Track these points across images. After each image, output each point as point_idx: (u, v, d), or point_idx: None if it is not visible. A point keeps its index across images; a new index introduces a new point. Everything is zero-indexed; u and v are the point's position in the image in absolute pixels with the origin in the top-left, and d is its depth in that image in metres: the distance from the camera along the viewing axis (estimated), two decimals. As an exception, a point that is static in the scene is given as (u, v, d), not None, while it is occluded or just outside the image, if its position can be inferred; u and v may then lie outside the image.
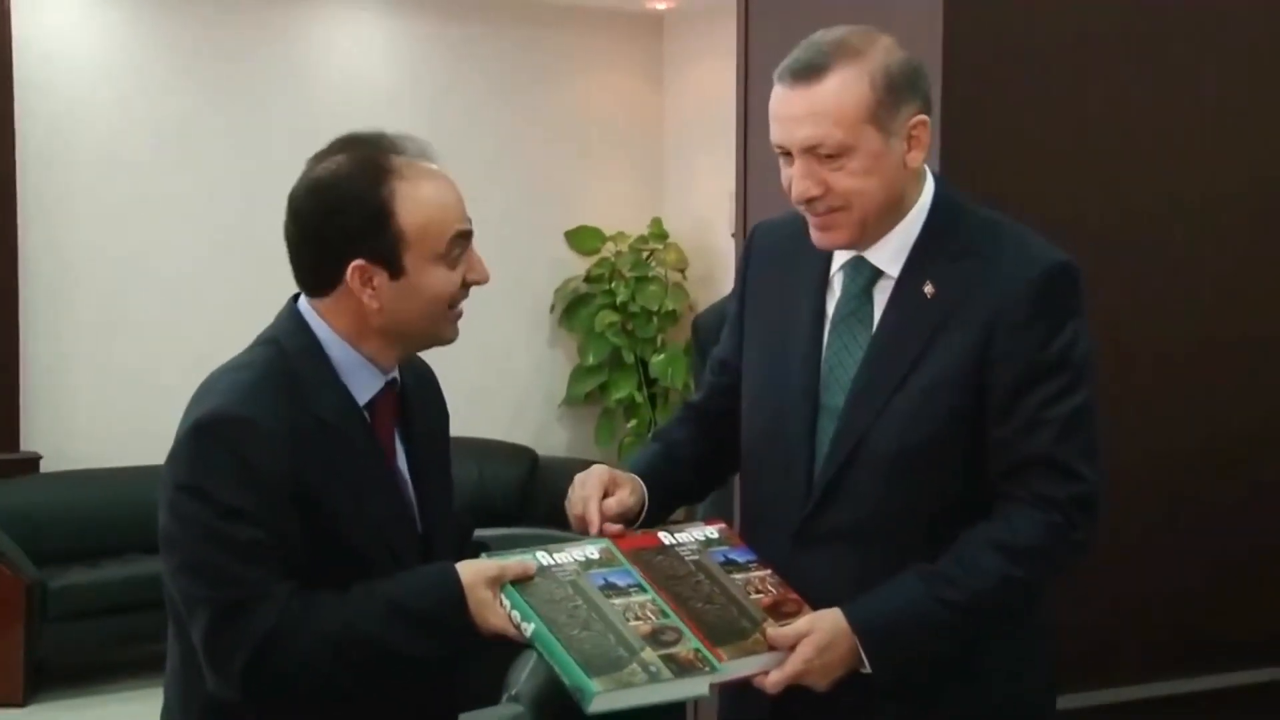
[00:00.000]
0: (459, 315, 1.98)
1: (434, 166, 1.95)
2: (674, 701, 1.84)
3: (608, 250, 8.05)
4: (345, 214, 1.88)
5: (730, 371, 2.23)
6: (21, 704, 5.84)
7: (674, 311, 7.85)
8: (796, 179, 1.96)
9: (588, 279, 8.03)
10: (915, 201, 2.03)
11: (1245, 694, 2.97)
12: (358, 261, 1.88)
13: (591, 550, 1.95)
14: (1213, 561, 2.96)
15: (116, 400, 6.85)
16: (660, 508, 2.12)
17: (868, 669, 1.91)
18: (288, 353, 1.92)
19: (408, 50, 7.66)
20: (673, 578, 1.94)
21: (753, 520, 2.11)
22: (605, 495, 2.04)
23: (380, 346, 1.95)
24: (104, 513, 6.29)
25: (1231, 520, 2.98)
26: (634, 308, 7.83)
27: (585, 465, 2.17)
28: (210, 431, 1.84)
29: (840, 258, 2.07)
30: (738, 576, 1.98)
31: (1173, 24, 2.87)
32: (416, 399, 2.06)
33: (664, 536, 2.02)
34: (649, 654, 1.80)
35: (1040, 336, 1.94)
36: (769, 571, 2.00)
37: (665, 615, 1.87)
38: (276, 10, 7.28)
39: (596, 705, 1.74)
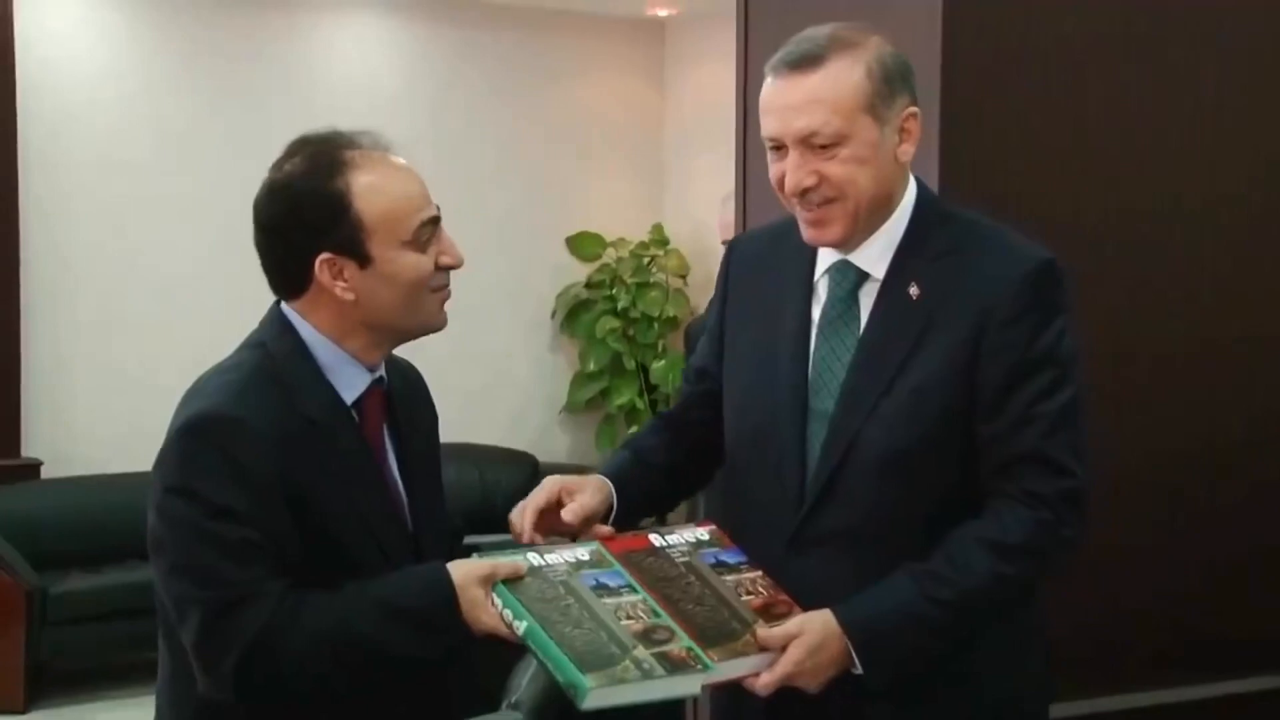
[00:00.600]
0: (444, 299, 1.98)
1: (391, 156, 1.95)
2: (667, 700, 1.83)
3: (609, 256, 8.06)
4: (303, 210, 1.89)
5: (709, 379, 2.23)
6: (22, 710, 5.83)
7: (675, 317, 7.85)
8: (791, 170, 1.97)
9: (589, 285, 8.03)
10: (900, 201, 2.04)
11: (1248, 701, 2.96)
12: (324, 255, 1.89)
13: (582, 552, 1.94)
14: (1213, 564, 2.95)
15: (117, 405, 6.85)
16: (629, 512, 2.10)
17: (859, 670, 1.90)
18: (274, 355, 1.93)
19: (408, 54, 7.66)
20: (663, 579, 1.94)
21: (743, 526, 2.09)
22: (559, 504, 2.03)
23: (365, 343, 1.95)
24: (104, 518, 6.28)
25: (1232, 522, 2.97)
26: (635, 313, 7.83)
27: (586, 471, 2.17)
28: (199, 432, 1.84)
29: (824, 262, 2.08)
30: (728, 578, 1.97)
31: (1172, 24, 2.86)
32: (405, 400, 2.07)
33: (654, 538, 2.01)
34: (641, 651, 1.79)
35: (1029, 333, 1.95)
36: (760, 573, 2.00)
37: (657, 615, 1.87)
38: (276, 13, 7.28)
39: (590, 701, 1.73)
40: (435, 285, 1.95)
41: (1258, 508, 2.99)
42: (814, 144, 1.94)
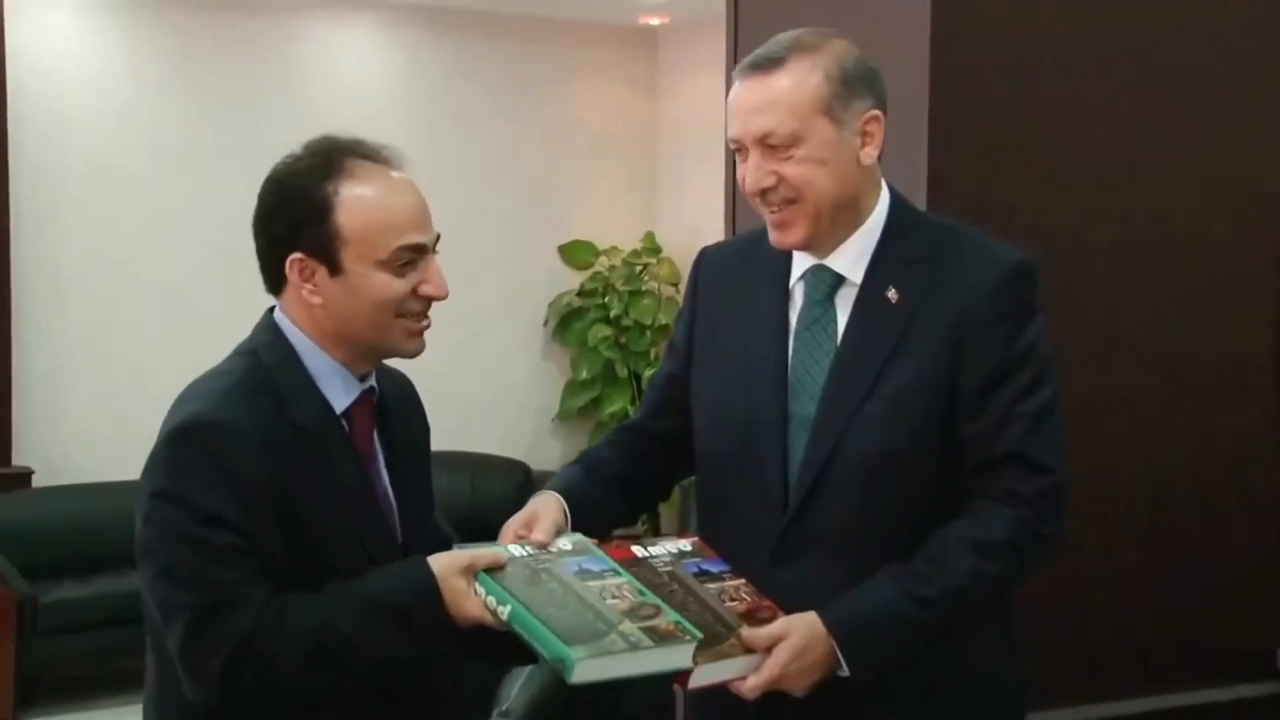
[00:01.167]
0: (418, 328, 1.94)
1: (396, 174, 1.93)
2: (657, 674, 1.82)
3: (601, 264, 8.06)
4: (288, 205, 1.90)
5: (675, 387, 2.22)
6: (12, 719, 5.82)
7: (667, 325, 7.83)
8: (750, 171, 2.00)
9: (581, 293, 8.04)
10: (874, 207, 2.06)
11: (1229, 709, 2.96)
12: (296, 254, 1.89)
13: (564, 543, 1.96)
14: (1204, 575, 2.95)
15: (109, 413, 6.85)
16: (585, 527, 2.05)
17: (846, 672, 1.91)
18: (265, 362, 1.93)
19: (402, 62, 7.67)
20: (648, 586, 1.93)
21: (726, 535, 2.08)
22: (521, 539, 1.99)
23: (349, 354, 1.95)
24: (95, 527, 6.27)
25: (1223, 533, 2.97)
26: (627, 322, 7.84)
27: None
28: (188, 437, 1.83)
29: (799, 267, 2.09)
30: (712, 586, 1.98)
31: (1165, 29, 2.86)
32: (396, 409, 2.06)
33: (637, 550, 2.01)
34: (628, 625, 1.80)
35: (1007, 334, 1.97)
36: (743, 581, 2.00)
37: (642, 594, 1.87)
38: (271, 21, 7.29)
39: (580, 674, 1.73)
40: (407, 311, 1.92)
41: (1243, 519, 2.99)
42: (770, 144, 1.97)
